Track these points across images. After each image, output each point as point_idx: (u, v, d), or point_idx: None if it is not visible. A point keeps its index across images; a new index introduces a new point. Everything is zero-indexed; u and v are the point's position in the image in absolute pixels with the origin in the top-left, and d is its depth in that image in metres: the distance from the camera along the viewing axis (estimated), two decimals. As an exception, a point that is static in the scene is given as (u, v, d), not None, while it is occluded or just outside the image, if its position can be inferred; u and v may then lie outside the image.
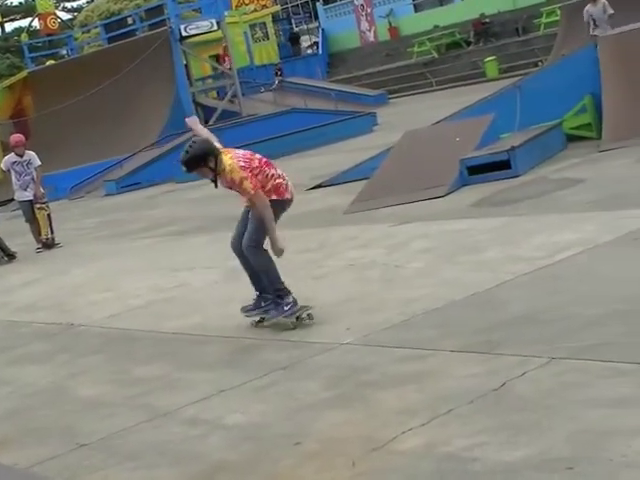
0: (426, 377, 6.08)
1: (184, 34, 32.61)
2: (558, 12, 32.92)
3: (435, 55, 40.76)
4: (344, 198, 14.01)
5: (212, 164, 7.79)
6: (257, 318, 8.29)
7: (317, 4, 51.89)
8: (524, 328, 6.65)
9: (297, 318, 7.99)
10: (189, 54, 35.08)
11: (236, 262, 11.27)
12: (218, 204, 17.71)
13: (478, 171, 13.31)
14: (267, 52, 45.29)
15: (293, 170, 20.82)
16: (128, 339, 8.94)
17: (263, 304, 8.22)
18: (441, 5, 45.59)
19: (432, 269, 9.05)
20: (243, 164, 7.82)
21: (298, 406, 6.10)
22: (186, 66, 34.52)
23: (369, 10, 47.08)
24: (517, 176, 13.03)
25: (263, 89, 39.23)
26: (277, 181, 7.98)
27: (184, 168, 7.92)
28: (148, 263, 12.79)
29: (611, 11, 21.10)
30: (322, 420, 5.77)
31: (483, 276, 8.31)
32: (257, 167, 7.90)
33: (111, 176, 26.04)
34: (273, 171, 8.01)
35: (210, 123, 30.79)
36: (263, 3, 47.05)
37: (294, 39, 50.49)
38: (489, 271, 8.44)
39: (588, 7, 21.58)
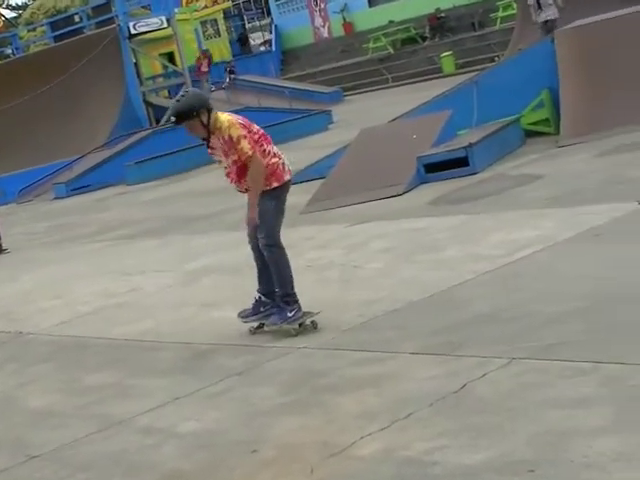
0: (385, 380, 6.08)
1: (133, 32, 32.50)
2: (514, 6, 33.10)
3: (391, 51, 40.83)
4: (300, 198, 13.96)
5: (205, 118, 7.35)
6: (256, 324, 7.85)
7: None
8: (484, 328, 6.68)
9: (300, 325, 7.58)
10: (139, 52, 34.95)
11: (190, 266, 11.28)
12: (170, 206, 17.71)
13: (436, 169, 13.35)
14: (219, 49, 45.15)
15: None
16: (79, 346, 8.87)
17: (262, 309, 7.77)
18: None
19: (391, 269, 9.07)
20: (242, 122, 7.43)
21: (254, 412, 6.09)
22: (135, 64, 34.38)
23: (323, 5, 47.07)
24: (475, 173, 13.09)
25: (214, 88, 39.11)
26: (272, 160, 7.47)
27: (173, 119, 7.42)
28: (99, 268, 12.71)
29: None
30: (279, 426, 5.76)
31: (443, 275, 8.33)
32: (256, 134, 7.47)
33: (60, 179, 25.84)
34: (270, 147, 7.52)
35: (161, 123, 30.70)
36: (214, -1, 46.94)
37: (243, 39, 50.31)
38: (449, 270, 8.46)
39: None
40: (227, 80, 39.13)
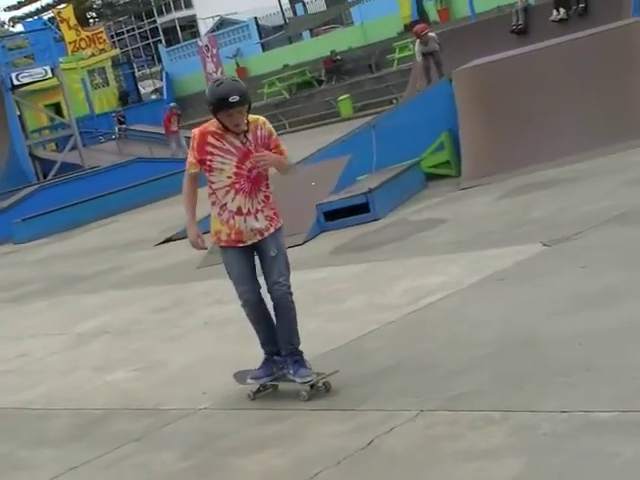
0: (289, 439, 6.05)
1: (16, 83, 32.20)
2: (411, 47, 33.62)
3: (286, 95, 41.14)
4: (197, 251, 13.87)
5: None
6: (255, 388, 7.04)
7: (159, 46, 51.87)
8: (390, 380, 6.68)
9: (312, 387, 6.81)
10: (23, 104, 34.61)
11: (80, 328, 11.10)
12: (58, 265, 17.47)
13: (336, 216, 13.40)
14: (107, 99, 44.99)
15: (141, 224, 20.69)
16: (-35, 418, 8.66)
17: (275, 370, 7.02)
18: (290, 43, 46.10)
19: (292, 322, 9.03)
20: None
21: (154, 479, 6.00)
22: (20, 117, 34.02)
23: (215, 51, 47.27)
24: (377, 219, 13.18)
25: (104, 139, 38.83)
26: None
27: (236, 98, 6.97)
28: (-14, 333, 12.46)
29: (437, 40, 22.19)
30: (180, 493, 5.69)
31: (346, 327, 8.34)
32: None
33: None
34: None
35: (49, 178, 30.37)
36: (101, 47, 46.74)
37: (124, 96, 49.43)
38: (351, 321, 8.48)
39: (419, 48, 22.36)
40: (117, 130, 38.88)
